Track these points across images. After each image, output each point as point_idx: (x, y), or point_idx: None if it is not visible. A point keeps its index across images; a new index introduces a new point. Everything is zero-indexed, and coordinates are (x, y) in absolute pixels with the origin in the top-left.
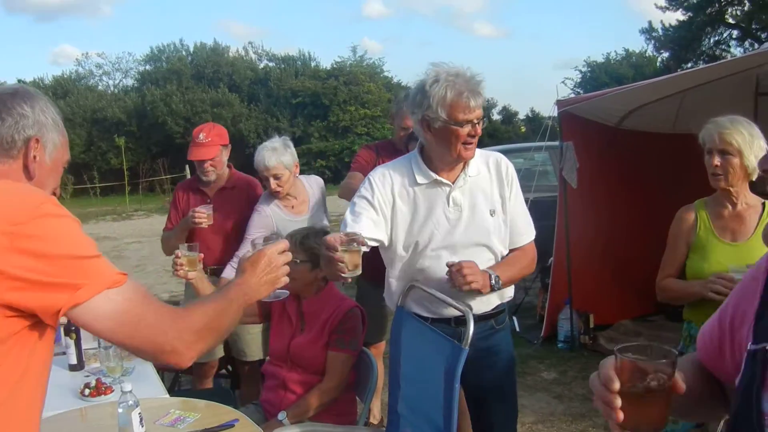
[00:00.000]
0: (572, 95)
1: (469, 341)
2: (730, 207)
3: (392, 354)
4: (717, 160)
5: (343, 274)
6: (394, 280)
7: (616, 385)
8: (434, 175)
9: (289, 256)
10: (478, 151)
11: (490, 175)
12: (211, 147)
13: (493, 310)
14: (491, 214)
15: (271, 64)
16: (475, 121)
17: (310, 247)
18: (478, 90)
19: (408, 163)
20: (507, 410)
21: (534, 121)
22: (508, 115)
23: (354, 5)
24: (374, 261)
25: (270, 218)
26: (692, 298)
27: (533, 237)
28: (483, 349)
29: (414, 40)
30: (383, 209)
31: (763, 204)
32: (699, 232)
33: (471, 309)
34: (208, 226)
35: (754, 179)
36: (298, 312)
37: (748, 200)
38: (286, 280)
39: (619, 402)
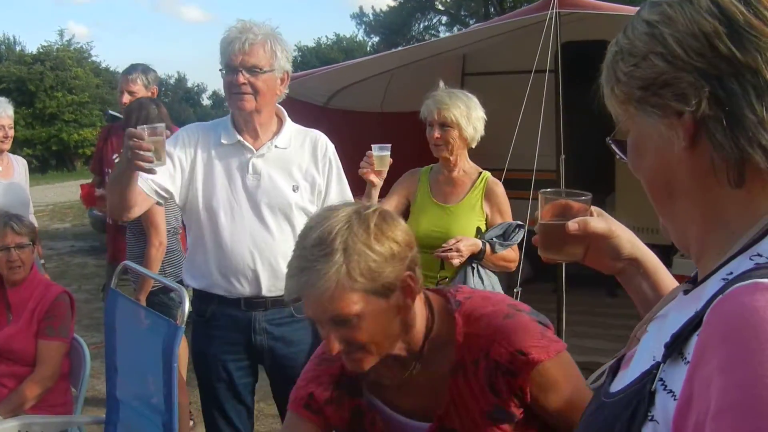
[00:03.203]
0: None
1: (184, 319)
2: (446, 172)
3: (107, 338)
4: (437, 133)
5: (150, 164)
6: (198, 251)
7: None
8: (238, 136)
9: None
10: (298, 127)
11: (303, 150)
12: None
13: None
14: (294, 189)
15: None
16: (240, 69)
17: (31, 226)
18: (245, 38)
19: (219, 123)
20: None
21: None
22: (219, 100)
23: None
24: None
25: None
26: None
27: None
28: (278, 337)
29: (122, 25)
30: (182, 163)
31: (480, 173)
32: (418, 197)
33: (261, 289)
34: None
35: (473, 146)
36: (3, 302)
37: (465, 168)
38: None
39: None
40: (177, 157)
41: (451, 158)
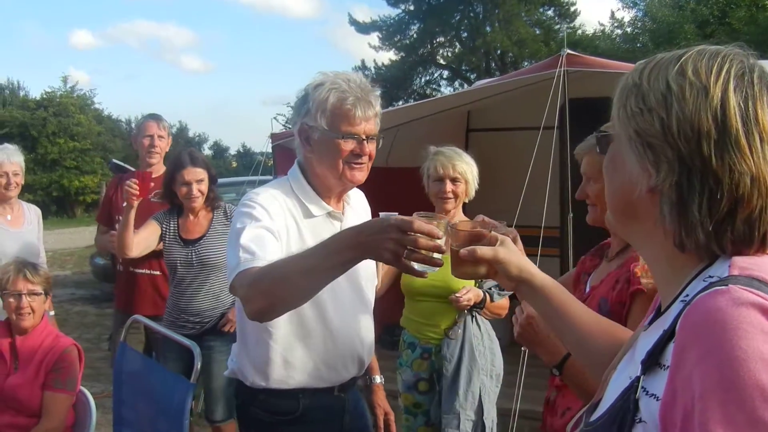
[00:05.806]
0: (285, 131)
1: (197, 376)
2: None
3: (115, 392)
4: (449, 186)
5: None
6: (296, 346)
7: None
8: (328, 207)
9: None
10: None
11: (360, 207)
12: None
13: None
14: None
15: None
16: (363, 136)
17: (45, 276)
18: (369, 99)
19: (289, 188)
20: None
21: (245, 156)
22: (219, 150)
23: (60, 33)
24: None
25: None
26: None
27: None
28: (357, 415)
29: (122, 73)
30: (281, 237)
31: None
32: None
33: (361, 370)
34: None
35: (466, 201)
36: (11, 350)
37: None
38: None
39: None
40: (277, 232)
41: (453, 211)
